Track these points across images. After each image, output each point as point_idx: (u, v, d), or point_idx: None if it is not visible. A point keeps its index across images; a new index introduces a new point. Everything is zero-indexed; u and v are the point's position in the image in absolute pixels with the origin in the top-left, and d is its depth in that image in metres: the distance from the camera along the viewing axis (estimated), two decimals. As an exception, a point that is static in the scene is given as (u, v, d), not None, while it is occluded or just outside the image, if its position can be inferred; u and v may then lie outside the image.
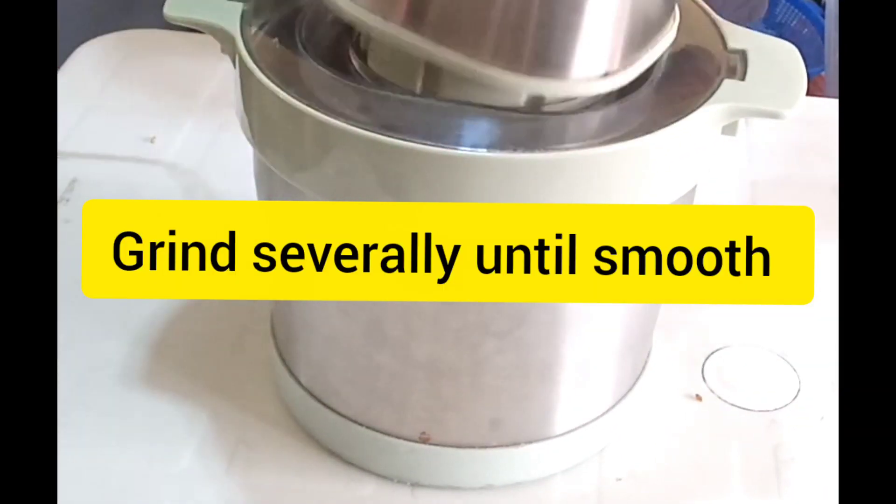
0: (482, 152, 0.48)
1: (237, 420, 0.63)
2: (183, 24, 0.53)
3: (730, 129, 0.53)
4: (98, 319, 0.68)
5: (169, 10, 0.53)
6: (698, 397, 0.65)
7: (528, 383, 0.57)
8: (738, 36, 0.55)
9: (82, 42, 0.91)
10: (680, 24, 0.56)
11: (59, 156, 0.78)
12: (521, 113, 0.50)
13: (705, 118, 0.51)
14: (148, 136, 0.81)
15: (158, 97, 0.85)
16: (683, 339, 0.69)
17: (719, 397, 0.65)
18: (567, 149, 0.49)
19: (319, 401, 0.60)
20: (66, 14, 0.64)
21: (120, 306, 0.69)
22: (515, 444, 0.59)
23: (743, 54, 0.54)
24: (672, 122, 0.50)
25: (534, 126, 0.50)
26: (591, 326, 0.56)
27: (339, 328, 0.57)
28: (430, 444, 0.58)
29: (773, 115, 0.51)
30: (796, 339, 0.69)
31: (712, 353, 0.68)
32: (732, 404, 0.65)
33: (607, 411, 0.61)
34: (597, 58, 0.51)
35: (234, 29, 0.53)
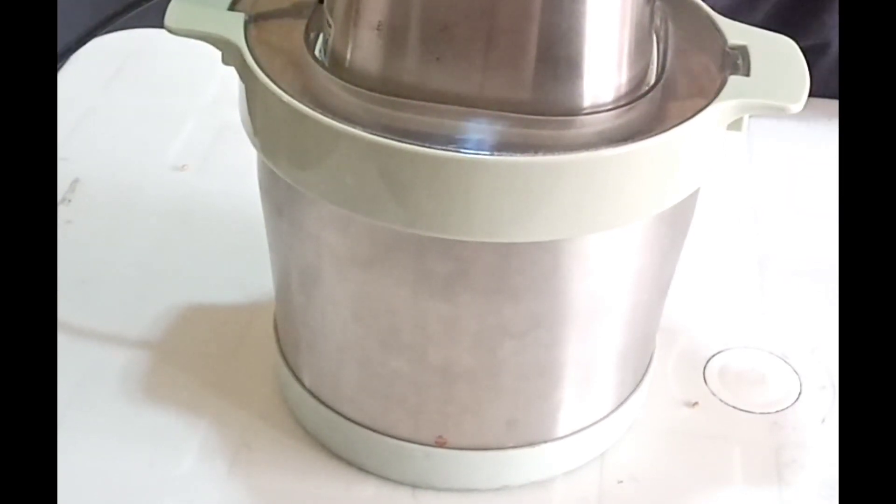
0: (488, 156, 0.48)
1: (239, 423, 0.63)
2: (185, 36, 0.53)
3: (735, 126, 0.53)
4: (99, 321, 0.68)
5: (170, 23, 0.53)
6: (695, 404, 0.65)
7: (544, 383, 0.57)
8: (737, 32, 0.55)
9: (83, 42, 0.91)
10: (679, 22, 0.56)
11: (60, 157, 0.78)
12: (528, 116, 0.50)
13: (714, 115, 0.51)
14: (151, 139, 0.81)
15: (160, 97, 0.85)
16: (685, 341, 0.69)
17: (721, 400, 0.65)
18: (577, 151, 0.49)
19: (329, 407, 0.60)
20: (66, 14, 0.64)
21: (122, 308, 0.69)
22: (531, 444, 0.59)
23: (744, 50, 0.54)
24: (682, 121, 0.50)
25: (541, 129, 0.50)
26: (605, 324, 0.57)
27: (353, 335, 0.56)
28: (447, 447, 0.58)
29: (781, 110, 0.51)
30: (797, 342, 0.69)
31: (713, 355, 0.68)
32: (734, 407, 0.65)
33: (614, 410, 0.61)
34: (606, 66, 0.51)
35: (239, 39, 0.53)
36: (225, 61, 0.54)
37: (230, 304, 0.70)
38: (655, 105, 0.52)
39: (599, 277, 0.54)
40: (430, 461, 0.59)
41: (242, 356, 0.67)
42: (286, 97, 0.51)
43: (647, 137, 0.50)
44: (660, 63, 0.54)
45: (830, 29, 0.81)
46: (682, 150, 0.51)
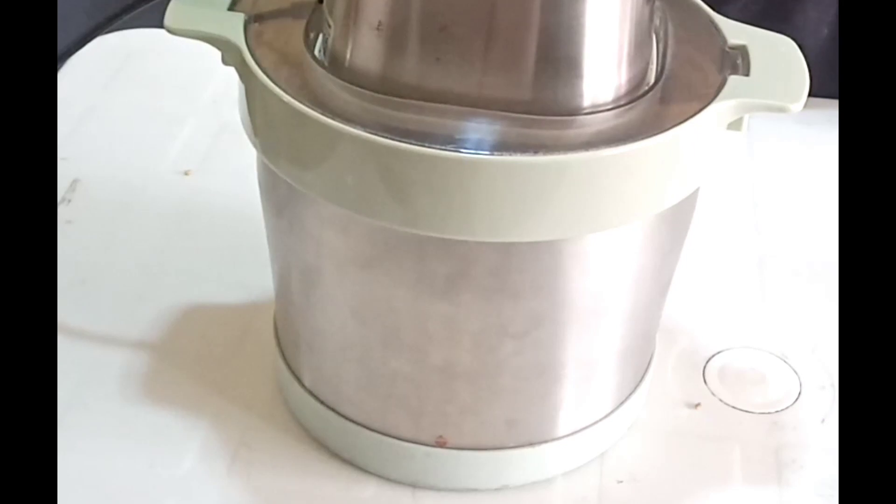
0: (488, 156, 0.48)
1: (238, 422, 0.63)
2: (185, 37, 0.53)
3: (735, 126, 0.53)
4: (99, 322, 0.68)
5: (170, 23, 0.53)
6: (697, 406, 0.65)
7: (544, 383, 0.57)
8: (737, 31, 0.55)
9: (83, 43, 0.91)
10: (679, 22, 0.56)
11: (60, 157, 0.78)
12: (528, 116, 0.50)
13: (714, 115, 0.51)
14: (151, 139, 0.81)
15: (159, 97, 0.85)
16: (684, 341, 0.69)
17: (720, 400, 0.65)
18: (577, 151, 0.49)
19: (330, 407, 0.60)
20: (66, 14, 0.64)
21: (122, 308, 0.69)
22: (531, 444, 0.59)
23: (743, 50, 0.54)
24: (682, 121, 0.50)
25: (541, 129, 0.50)
26: (605, 324, 0.57)
27: (354, 335, 0.56)
28: (447, 447, 0.58)
29: (781, 110, 0.51)
30: (797, 342, 0.69)
31: (713, 355, 0.68)
32: (734, 407, 0.65)
33: (615, 410, 0.61)
34: (606, 66, 0.51)
35: (239, 39, 0.53)
36: (225, 61, 0.54)
37: (230, 304, 0.70)
38: (655, 105, 0.52)
39: (599, 277, 0.54)
40: (431, 461, 0.59)
41: (242, 356, 0.66)
42: (286, 97, 0.51)
43: (647, 137, 0.50)
44: (660, 63, 0.54)
45: (802, 31, 0.82)
46: (682, 150, 0.51)
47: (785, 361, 0.68)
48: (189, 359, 0.66)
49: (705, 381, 0.67)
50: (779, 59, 0.54)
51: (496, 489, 0.60)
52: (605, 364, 0.59)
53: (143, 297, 0.70)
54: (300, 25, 0.55)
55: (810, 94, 0.52)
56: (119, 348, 0.66)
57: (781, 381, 0.67)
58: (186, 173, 0.79)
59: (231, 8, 0.55)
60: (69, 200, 0.76)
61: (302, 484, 0.60)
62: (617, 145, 0.49)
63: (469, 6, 0.49)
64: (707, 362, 0.68)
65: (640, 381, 0.63)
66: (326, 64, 0.53)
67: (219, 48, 0.54)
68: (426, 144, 0.48)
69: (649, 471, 0.62)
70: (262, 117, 0.53)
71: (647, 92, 0.52)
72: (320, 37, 0.54)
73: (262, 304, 0.68)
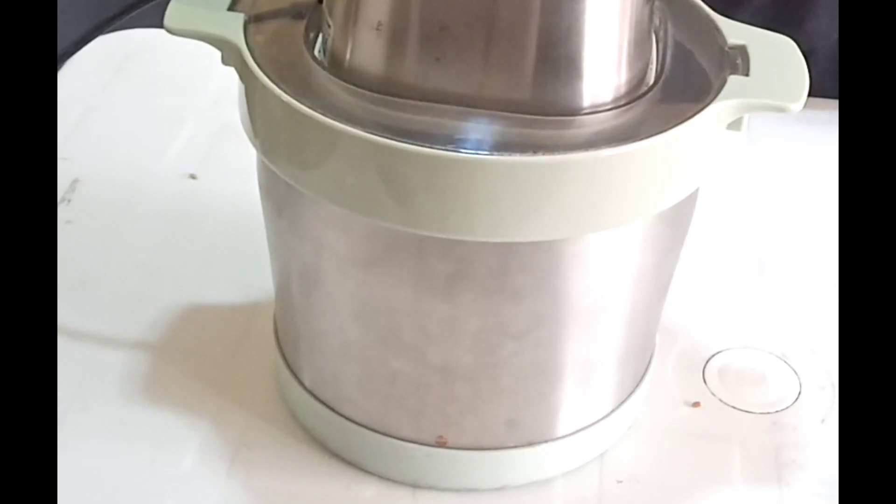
0: (488, 156, 0.48)
1: (238, 422, 0.63)
2: (185, 37, 0.53)
3: (735, 126, 0.53)
4: (99, 322, 0.68)
5: (170, 23, 0.53)
6: (696, 404, 0.65)
7: (544, 383, 0.57)
8: (737, 31, 0.55)
9: (83, 42, 0.91)
10: (679, 22, 0.56)
11: (60, 157, 0.78)
12: (528, 116, 0.50)
13: (714, 115, 0.51)
14: (151, 139, 0.82)
15: (160, 97, 0.86)
16: (684, 341, 0.69)
17: (720, 400, 0.65)
18: (577, 151, 0.49)
19: (330, 407, 0.60)
20: (66, 14, 0.64)
21: (122, 308, 0.69)
22: (531, 444, 0.59)
23: (743, 50, 0.54)
24: (682, 121, 0.50)
25: (541, 129, 0.50)
26: (605, 324, 0.57)
27: (354, 335, 0.57)
28: (447, 447, 0.58)
29: (781, 110, 0.51)
30: (797, 342, 0.69)
31: (713, 355, 0.68)
32: (733, 407, 0.65)
33: (614, 410, 0.61)
34: (606, 65, 0.51)
35: (239, 39, 0.53)
36: (225, 61, 0.54)
37: (230, 304, 0.70)
38: (655, 105, 0.52)
39: (599, 277, 0.54)
40: (431, 461, 0.59)
41: (242, 356, 0.66)
42: (286, 97, 0.51)
43: (647, 137, 0.50)
44: (659, 63, 0.54)
45: (813, 37, 0.82)
46: (682, 149, 0.51)
47: (785, 361, 0.68)
48: (189, 359, 0.66)
49: (705, 381, 0.67)
50: (779, 59, 0.54)
51: (496, 489, 0.60)
52: (604, 364, 0.59)
53: (143, 297, 0.70)
54: (300, 25, 0.55)
55: (822, 97, 0.52)
56: (119, 348, 0.66)
57: (781, 381, 0.67)
58: (193, 177, 0.79)
59: (231, 8, 0.55)
60: (69, 200, 0.76)
61: (302, 484, 0.60)
62: (617, 145, 0.49)
63: (469, 6, 0.49)
64: (707, 362, 0.68)
65: (640, 380, 0.63)
66: (326, 64, 0.53)
67: (219, 48, 0.54)
68: (426, 144, 0.48)
69: (649, 471, 0.62)
70: (262, 117, 0.53)
71: (647, 92, 0.52)
72: (320, 37, 0.54)
73: (262, 304, 0.68)
